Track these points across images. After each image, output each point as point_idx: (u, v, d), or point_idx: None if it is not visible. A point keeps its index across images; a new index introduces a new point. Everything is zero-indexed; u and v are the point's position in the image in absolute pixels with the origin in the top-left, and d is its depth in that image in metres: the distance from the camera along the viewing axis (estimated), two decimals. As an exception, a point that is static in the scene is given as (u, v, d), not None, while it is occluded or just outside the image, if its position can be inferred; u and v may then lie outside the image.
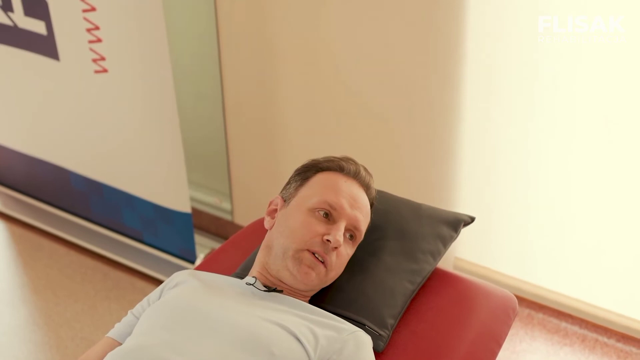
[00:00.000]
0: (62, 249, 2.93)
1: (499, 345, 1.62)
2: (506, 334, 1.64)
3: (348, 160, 1.59)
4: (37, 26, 2.52)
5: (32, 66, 2.64)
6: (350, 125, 2.54)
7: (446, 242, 1.70)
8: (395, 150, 2.46)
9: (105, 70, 2.47)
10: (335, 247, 1.45)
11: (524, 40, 2.21)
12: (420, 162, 2.43)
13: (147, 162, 2.58)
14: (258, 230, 1.88)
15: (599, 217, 2.37)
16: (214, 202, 3.01)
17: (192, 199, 3.04)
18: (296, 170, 1.61)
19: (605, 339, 2.44)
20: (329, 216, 1.48)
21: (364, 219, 1.54)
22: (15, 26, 2.56)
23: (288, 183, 1.61)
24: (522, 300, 2.59)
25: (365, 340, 1.42)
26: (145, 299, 1.55)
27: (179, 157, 2.50)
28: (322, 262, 1.46)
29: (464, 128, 2.35)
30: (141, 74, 2.41)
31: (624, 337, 2.44)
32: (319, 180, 1.54)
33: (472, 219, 1.76)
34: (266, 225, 1.56)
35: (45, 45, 2.55)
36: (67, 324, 2.56)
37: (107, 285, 2.75)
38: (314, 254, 1.45)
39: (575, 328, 2.48)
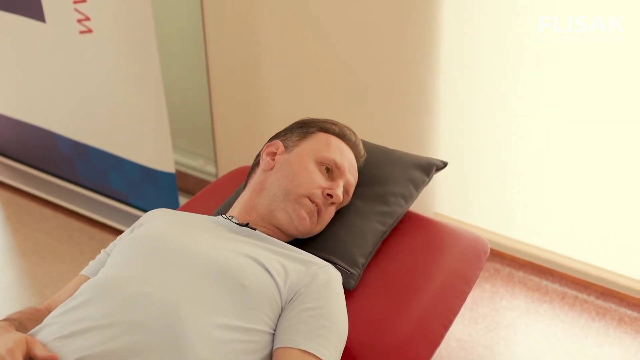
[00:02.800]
0: (49, 212, 2.96)
1: (470, 286, 1.63)
2: (477, 276, 1.66)
3: (349, 129, 1.65)
4: (22, -13, 2.54)
5: (18, 29, 2.66)
6: (332, 89, 2.55)
7: (418, 185, 1.72)
8: (374, 110, 2.49)
9: (90, 31, 2.48)
10: (333, 203, 1.53)
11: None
12: (397, 122, 2.45)
13: (132, 123, 2.59)
14: (232, 181, 1.91)
15: (579, 171, 2.39)
16: (199, 166, 3.03)
17: (178, 163, 3.06)
18: (297, 123, 1.66)
19: (585, 296, 2.46)
20: (329, 172, 1.55)
21: (353, 186, 1.61)
22: (1, -12, 2.58)
23: (288, 132, 1.64)
24: (502, 258, 2.61)
25: (334, 275, 1.43)
26: (117, 238, 1.57)
27: (162, 118, 2.51)
28: (317, 213, 1.51)
29: (440, 93, 2.37)
30: (125, 34, 2.42)
31: (603, 293, 2.46)
32: (323, 138, 1.60)
33: (445, 164, 1.78)
34: (264, 165, 1.59)
35: (31, 7, 2.57)
36: (52, 283, 2.58)
37: (93, 246, 2.77)
38: (312, 203, 1.50)
39: (555, 286, 2.50)
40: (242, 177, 1.90)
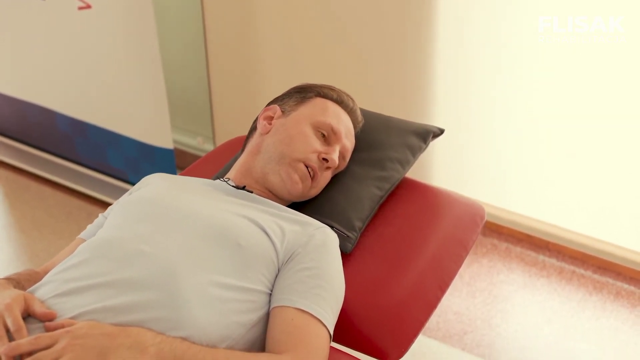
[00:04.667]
0: (48, 190, 2.96)
1: (466, 251, 1.64)
2: (473, 241, 1.67)
3: (347, 95, 1.65)
4: (20, -37, 2.53)
5: (17, 5, 2.65)
6: (331, 61, 2.56)
7: (415, 151, 1.73)
8: (372, 81, 2.50)
9: (88, 7, 2.48)
10: (329, 167, 1.53)
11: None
12: (395, 93, 2.46)
13: (131, 100, 2.60)
14: (230, 149, 1.91)
15: (576, 143, 2.40)
16: (197, 144, 3.04)
17: (177, 142, 3.06)
18: (295, 88, 1.67)
19: (582, 271, 2.47)
20: (325, 137, 1.55)
21: (350, 151, 1.62)
22: (-1, -37, 2.57)
23: (286, 96, 1.65)
24: (500, 233, 2.62)
25: (330, 236, 1.43)
26: (115, 203, 1.58)
27: (161, 94, 2.51)
28: (312, 178, 1.51)
29: (438, 68, 2.37)
30: (124, 9, 2.42)
31: (600, 268, 2.47)
32: (321, 103, 1.60)
33: (442, 131, 1.78)
34: (261, 129, 1.59)
35: (29, -17, 2.57)
36: (50, 258, 2.58)
37: (91, 222, 2.77)
38: (307, 168, 1.50)
39: (553, 260, 2.51)
40: (239, 145, 1.91)
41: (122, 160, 2.77)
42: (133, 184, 2.81)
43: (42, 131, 2.96)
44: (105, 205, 2.86)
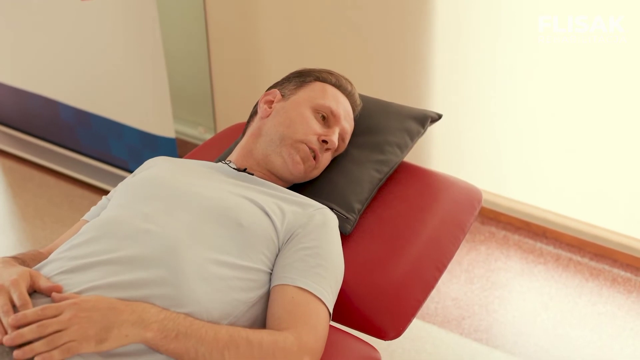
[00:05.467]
0: (51, 180, 2.99)
1: (463, 233, 1.67)
2: (471, 223, 1.69)
3: (346, 79, 1.68)
4: (23, -47, 2.55)
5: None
6: (332, 53, 2.58)
7: (413, 136, 1.76)
8: (372, 69, 2.52)
9: (91, -3, 2.51)
10: (329, 149, 1.56)
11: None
12: (394, 80, 2.48)
13: (133, 89, 2.62)
14: (231, 135, 1.94)
15: (573, 132, 2.42)
16: (198, 133, 3.06)
17: (178, 132, 3.09)
18: (294, 73, 1.70)
19: (579, 258, 2.50)
20: (325, 120, 1.58)
21: (349, 134, 1.65)
22: (2, -47, 2.59)
23: (285, 81, 1.68)
24: (498, 221, 2.64)
25: (330, 216, 1.46)
26: (119, 184, 1.61)
27: (162, 83, 2.54)
28: (314, 158, 1.54)
29: (438, 63, 2.40)
30: (126, 0, 2.45)
31: (597, 254, 2.50)
32: (320, 87, 1.63)
33: (439, 116, 1.81)
34: (261, 112, 1.62)
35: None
36: (54, 246, 2.61)
37: (94, 210, 2.79)
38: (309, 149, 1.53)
39: (550, 248, 2.54)
40: (239, 132, 1.93)
41: (125, 149, 2.80)
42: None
43: (44, 121, 2.99)
44: (107, 193, 2.89)
